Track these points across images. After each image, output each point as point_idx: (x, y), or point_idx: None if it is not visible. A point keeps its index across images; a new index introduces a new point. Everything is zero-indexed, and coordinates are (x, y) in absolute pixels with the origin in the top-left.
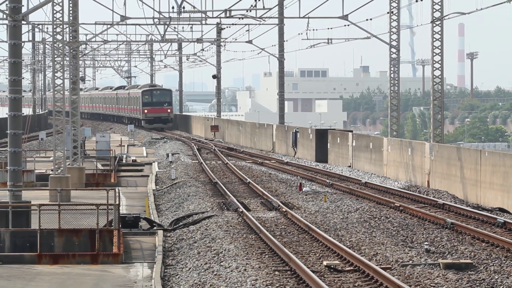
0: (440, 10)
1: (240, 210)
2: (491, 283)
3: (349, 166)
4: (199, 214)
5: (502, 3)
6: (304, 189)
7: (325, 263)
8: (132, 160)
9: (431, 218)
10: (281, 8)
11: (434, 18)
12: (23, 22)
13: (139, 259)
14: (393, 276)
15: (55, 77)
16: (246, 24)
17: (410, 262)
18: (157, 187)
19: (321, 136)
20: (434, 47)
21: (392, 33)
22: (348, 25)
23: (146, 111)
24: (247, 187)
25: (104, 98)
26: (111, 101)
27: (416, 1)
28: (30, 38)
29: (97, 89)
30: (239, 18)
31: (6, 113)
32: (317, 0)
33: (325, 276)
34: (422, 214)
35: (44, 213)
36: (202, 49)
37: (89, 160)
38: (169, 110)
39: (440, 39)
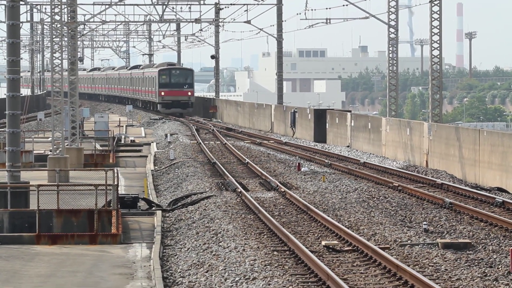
0: None
1: (239, 190)
2: (489, 263)
3: (348, 146)
4: (197, 195)
5: None
6: (302, 169)
7: (323, 243)
8: (131, 140)
9: (430, 198)
10: None
11: None
12: (21, 2)
13: (137, 240)
14: (392, 256)
15: (54, 58)
16: (244, 4)
17: (409, 242)
18: (156, 167)
19: (320, 116)
20: (432, 27)
21: (390, 13)
22: (347, 5)
23: (163, 93)
24: (246, 167)
25: (119, 79)
26: (126, 81)
27: None
28: (29, 19)
29: (113, 68)
30: None
31: (5, 94)
32: None
33: (324, 256)
34: (420, 194)
35: (43, 194)
36: (201, 29)
37: (87, 140)
38: (189, 93)
39: (438, 19)
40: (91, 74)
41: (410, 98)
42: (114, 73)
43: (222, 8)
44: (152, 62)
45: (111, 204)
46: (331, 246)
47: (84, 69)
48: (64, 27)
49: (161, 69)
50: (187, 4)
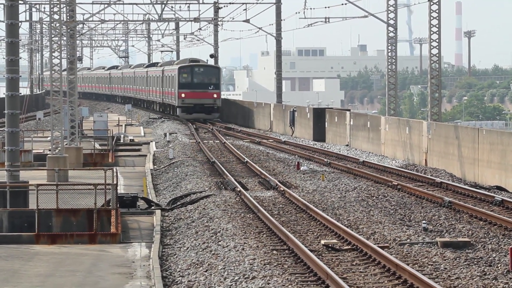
0: None
1: (238, 189)
2: (488, 261)
3: (347, 145)
4: (197, 194)
5: None
6: (302, 168)
7: (323, 242)
8: (130, 139)
9: (429, 196)
10: None
11: None
12: (20, 1)
13: (137, 239)
14: (391, 254)
15: (53, 57)
16: (243, 3)
17: (408, 240)
18: (155, 166)
19: (319, 115)
20: (431, 26)
21: (389, 11)
22: (346, 3)
23: (183, 95)
24: (245, 167)
25: (134, 78)
26: (141, 81)
27: None
28: (28, 18)
29: (130, 66)
30: None
31: (4, 93)
32: None
33: (323, 255)
34: (419, 193)
35: (42, 193)
36: (200, 29)
37: (86, 140)
38: (215, 95)
39: (437, 18)
40: (108, 72)
41: (408, 98)
42: (130, 72)
43: (221, 7)
44: (168, 60)
45: (110, 204)
46: (330, 245)
47: (103, 67)
48: (63, 26)
49: (181, 66)
50: (186, 3)
